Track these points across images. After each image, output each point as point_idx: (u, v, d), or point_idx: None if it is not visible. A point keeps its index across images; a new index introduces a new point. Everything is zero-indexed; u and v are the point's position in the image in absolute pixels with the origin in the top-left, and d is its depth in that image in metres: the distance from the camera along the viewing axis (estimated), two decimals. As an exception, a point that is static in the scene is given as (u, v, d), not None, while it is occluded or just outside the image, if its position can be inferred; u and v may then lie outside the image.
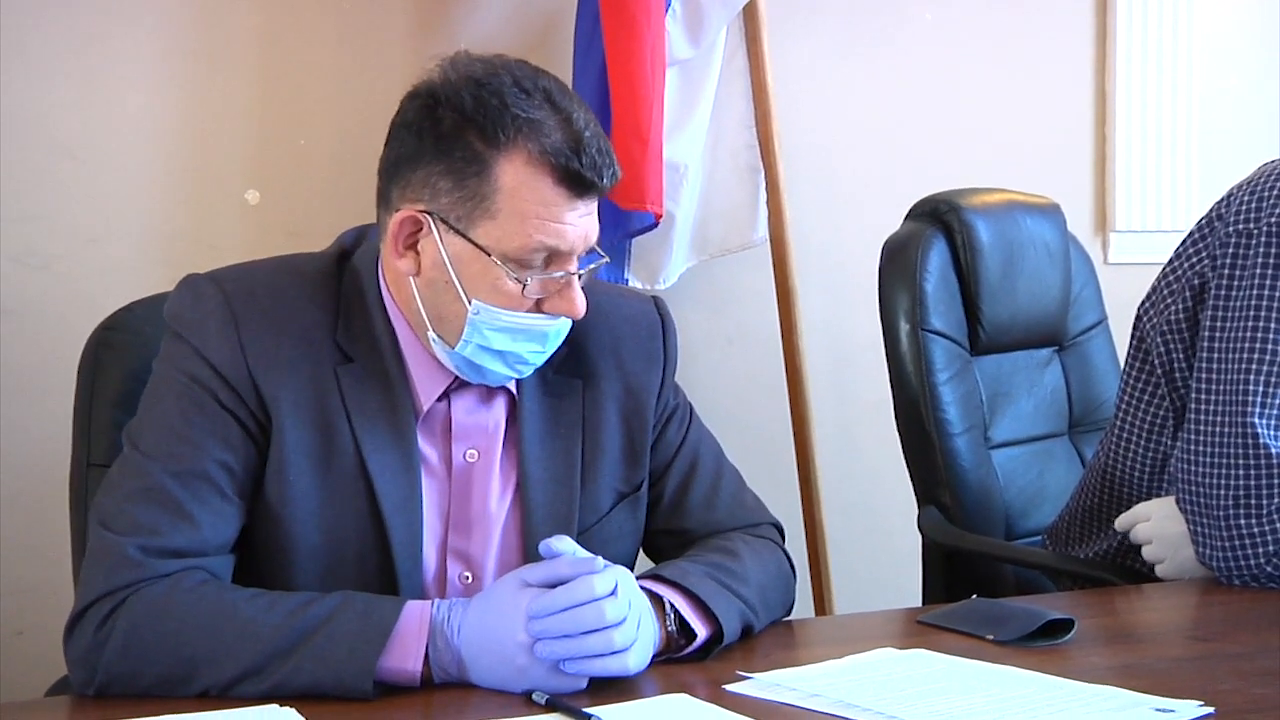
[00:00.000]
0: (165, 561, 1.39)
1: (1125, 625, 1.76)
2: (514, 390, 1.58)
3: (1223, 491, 1.79)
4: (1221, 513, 1.78)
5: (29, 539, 2.48)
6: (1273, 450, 1.77)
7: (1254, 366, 1.79)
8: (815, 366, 3.04)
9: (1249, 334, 1.80)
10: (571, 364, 1.60)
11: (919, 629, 1.60)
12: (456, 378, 1.54)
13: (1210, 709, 1.26)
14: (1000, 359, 2.45)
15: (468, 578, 1.54)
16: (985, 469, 2.33)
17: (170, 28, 2.61)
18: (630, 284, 2.83)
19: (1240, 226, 1.85)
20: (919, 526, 2.33)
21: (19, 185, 2.51)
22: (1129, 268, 3.26)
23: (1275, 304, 1.80)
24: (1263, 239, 1.82)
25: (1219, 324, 1.84)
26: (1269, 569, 1.77)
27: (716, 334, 3.09)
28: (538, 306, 1.48)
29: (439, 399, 1.54)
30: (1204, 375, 1.84)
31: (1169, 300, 1.95)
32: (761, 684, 1.36)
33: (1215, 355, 1.83)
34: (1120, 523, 1.97)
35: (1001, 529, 2.34)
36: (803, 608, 1.89)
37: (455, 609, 1.37)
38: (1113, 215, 3.45)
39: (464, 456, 1.55)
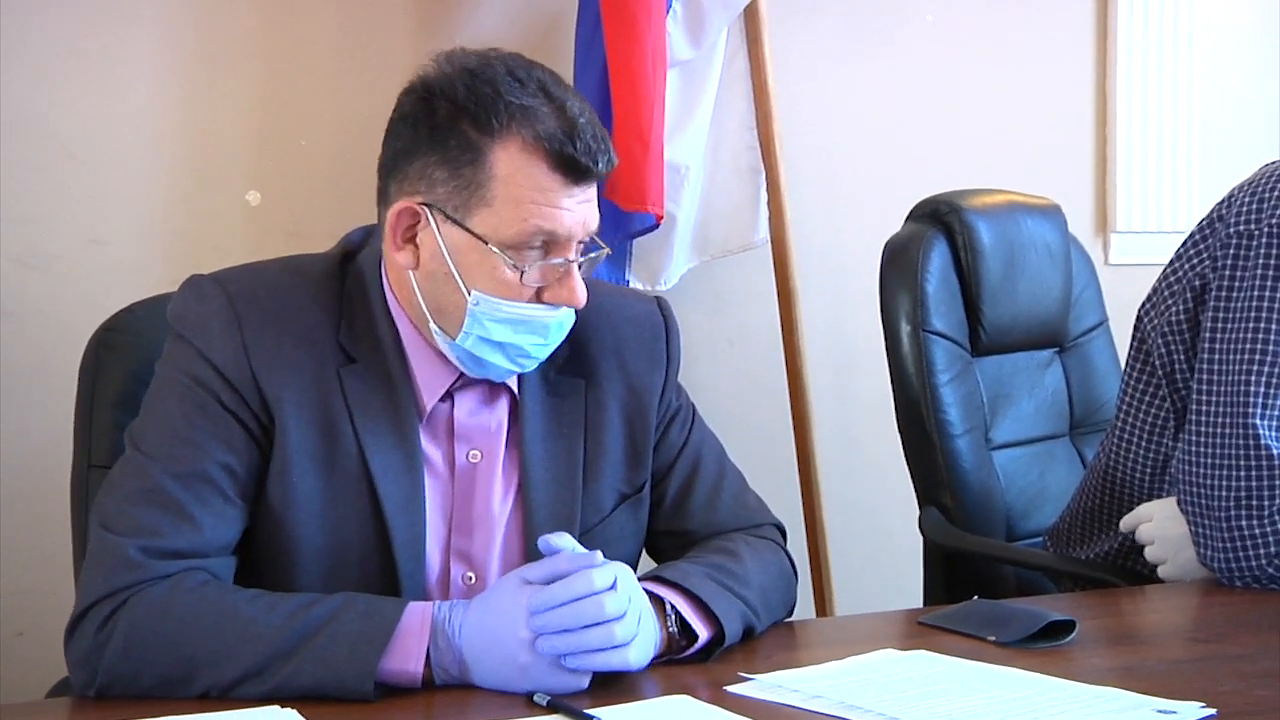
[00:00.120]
0: (166, 563, 1.39)
1: (1126, 627, 1.76)
2: (516, 390, 1.58)
3: (1224, 493, 1.78)
4: (1222, 514, 1.78)
5: (29, 540, 2.48)
6: (1274, 451, 1.76)
7: (1255, 368, 1.79)
8: (816, 367, 3.04)
9: (1250, 335, 1.80)
10: (574, 364, 1.60)
11: (920, 630, 1.60)
12: (459, 376, 1.54)
13: (1212, 710, 1.26)
14: (1001, 360, 2.45)
15: (470, 578, 1.54)
16: (986, 470, 2.33)
17: (171, 28, 2.61)
18: (631, 285, 2.83)
19: (1241, 228, 1.85)
20: (920, 527, 2.33)
21: (19, 186, 2.51)
22: (1130, 269, 3.26)
23: (1276, 305, 1.79)
24: (1263, 240, 1.82)
25: (1220, 325, 1.84)
26: (1270, 570, 1.77)
27: (717, 335, 3.09)
28: (538, 296, 1.48)
29: (442, 399, 1.54)
30: (1205, 376, 1.84)
31: (1170, 301, 1.95)
32: (763, 685, 1.36)
33: (1216, 356, 1.83)
34: (1124, 524, 1.97)
35: (1002, 530, 2.34)
36: (803, 608, 1.89)
37: (456, 609, 1.37)
38: (1113, 216, 3.45)
39: (467, 457, 1.55)
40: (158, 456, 1.43)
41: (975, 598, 2.12)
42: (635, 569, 1.55)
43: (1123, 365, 2.08)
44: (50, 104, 2.53)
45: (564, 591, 1.33)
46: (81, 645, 1.37)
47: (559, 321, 1.51)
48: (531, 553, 1.52)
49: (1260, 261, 1.82)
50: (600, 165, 1.46)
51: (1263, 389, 1.78)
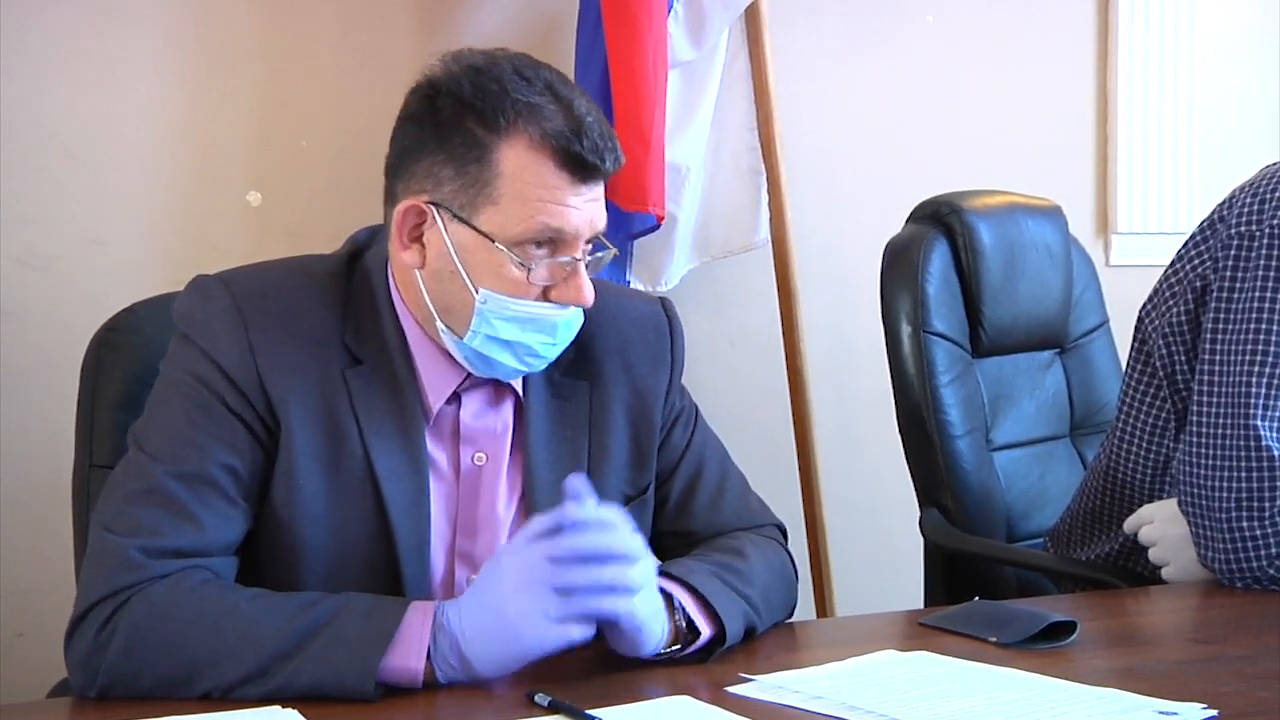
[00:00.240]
0: (166, 562, 1.39)
1: (1127, 628, 1.76)
2: (521, 392, 1.58)
3: (1225, 494, 1.78)
4: (1223, 515, 1.78)
5: (30, 541, 2.48)
6: (1275, 452, 1.76)
7: (1256, 369, 1.79)
8: (816, 368, 3.04)
9: (1251, 336, 1.80)
10: (579, 366, 1.60)
11: (921, 631, 1.60)
12: (466, 378, 1.53)
13: (1213, 712, 1.26)
14: (1002, 361, 2.45)
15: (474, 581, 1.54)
16: (987, 471, 2.33)
17: (171, 28, 2.61)
18: (632, 286, 2.83)
19: (1242, 229, 1.85)
20: (920, 528, 2.33)
21: (19, 186, 2.51)
22: (1130, 270, 3.26)
23: (1277, 306, 1.79)
24: (1264, 241, 1.82)
25: (1221, 326, 1.84)
26: (1271, 571, 1.77)
27: (718, 335, 3.09)
28: (545, 295, 1.48)
29: (448, 401, 1.54)
30: (1206, 377, 1.84)
31: (1170, 302, 1.94)
32: (764, 686, 1.36)
33: (1217, 357, 1.83)
34: (1127, 526, 1.97)
35: (1003, 531, 2.34)
36: (804, 609, 1.89)
37: (452, 604, 1.37)
38: (1114, 217, 3.45)
39: (472, 460, 1.55)
40: (161, 457, 1.43)
41: (976, 599, 2.12)
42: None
43: (1123, 366, 2.08)
44: (50, 104, 2.53)
45: (589, 537, 1.35)
46: (82, 647, 1.37)
47: (567, 320, 1.50)
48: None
49: (1261, 263, 1.82)
50: (607, 164, 1.46)
51: (1263, 390, 1.78)
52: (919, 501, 2.36)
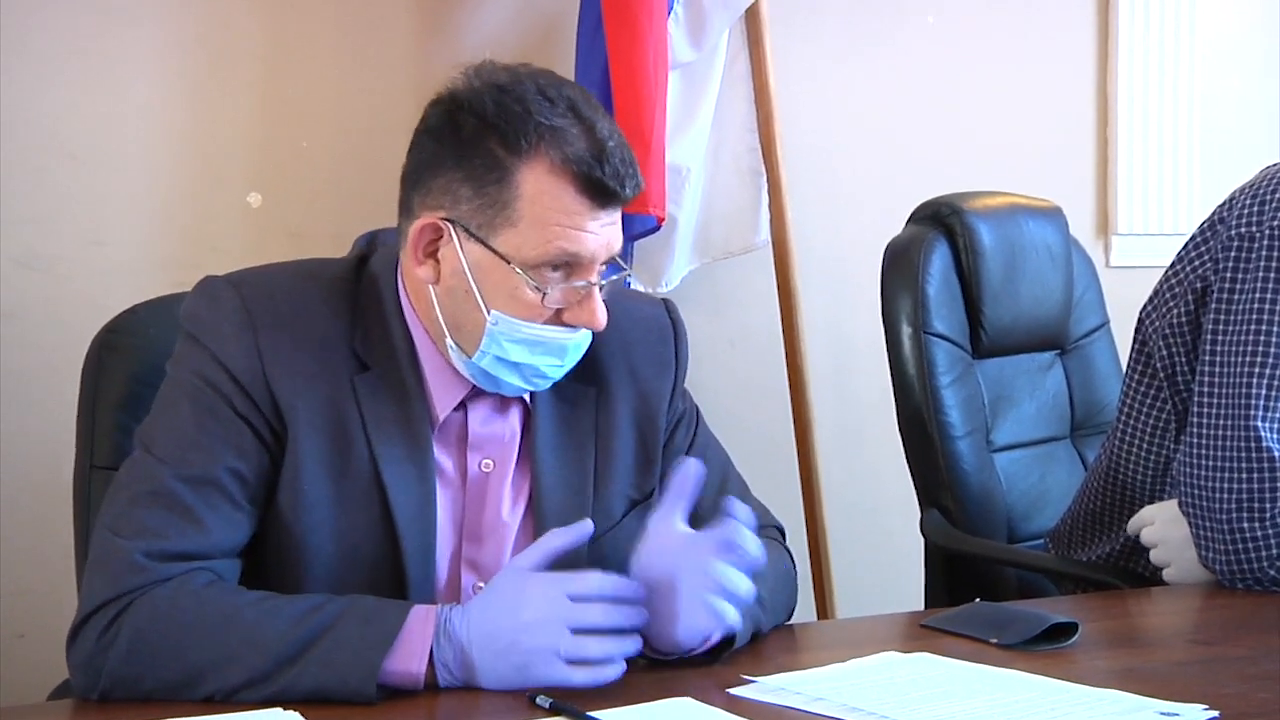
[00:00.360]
0: (170, 565, 1.39)
1: (1129, 629, 1.76)
2: (528, 399, 1.57)
3: (1226, 495, 1.78)
4: (1224, 516, 1.78)
5: (31, 542, 2.48)
6: (1275, 454, 1.76)
7: (1256, 370, 1.79)
8: (817, 369, 3.04)
9: (1251, 337, 1.80)
10: (584, 371, 1.58)
11: (922, 633, 1.60)
12: (474, 386, 1.53)
13: (1214, 713, 1.26)
14: (1002, 362, 2.45)
15: (481, 587, 1.52)
16: (987, 472, 2.33)
17: (172, 29, 2.61)
18: (632, 287, 2.83)
19: (1243, 230, 1.85)
20: (921, 529, 2.33)
21: (20, 187, 2.51)
22: (1131, 271, 3.26)
23: (1278, 307, 1.79)
24: (1265, 242, 1.82)
25: (1221, 327, 1.84)
26: (1271, 572, 1.77)
27: (718, 336, 3.09)
28: (557, 317, 1.47)
29: (455, 408, 1.54)
30: (1206, 379, 1.84)
31: (1171, 304, 1.95)
32: (765, 687, 1.36)
33: (1218, 359, 1.83)
34: (1130, 527, 1.97)
35: (1004, 532, 2.34)
36: (804, 610, 1.89)
37: (458, 609, 1.37)
38: (1115, 218, 3.45)
39: (479, 466, 1.54)
40: (167, 459, 1.43)
41: (977, 600, 2.12)
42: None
43: (1124, 368, 2.08)
44: (50, 104, 2.53)
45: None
46: (85, 649, 1.36)
47: (576, 343, 1.50)
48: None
49: (1262, 264, 1.82)
50: (628, 190, 1.45)
51: (1264, 391, 1.78)
52: (919, 502, 2.36)
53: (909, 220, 2.46)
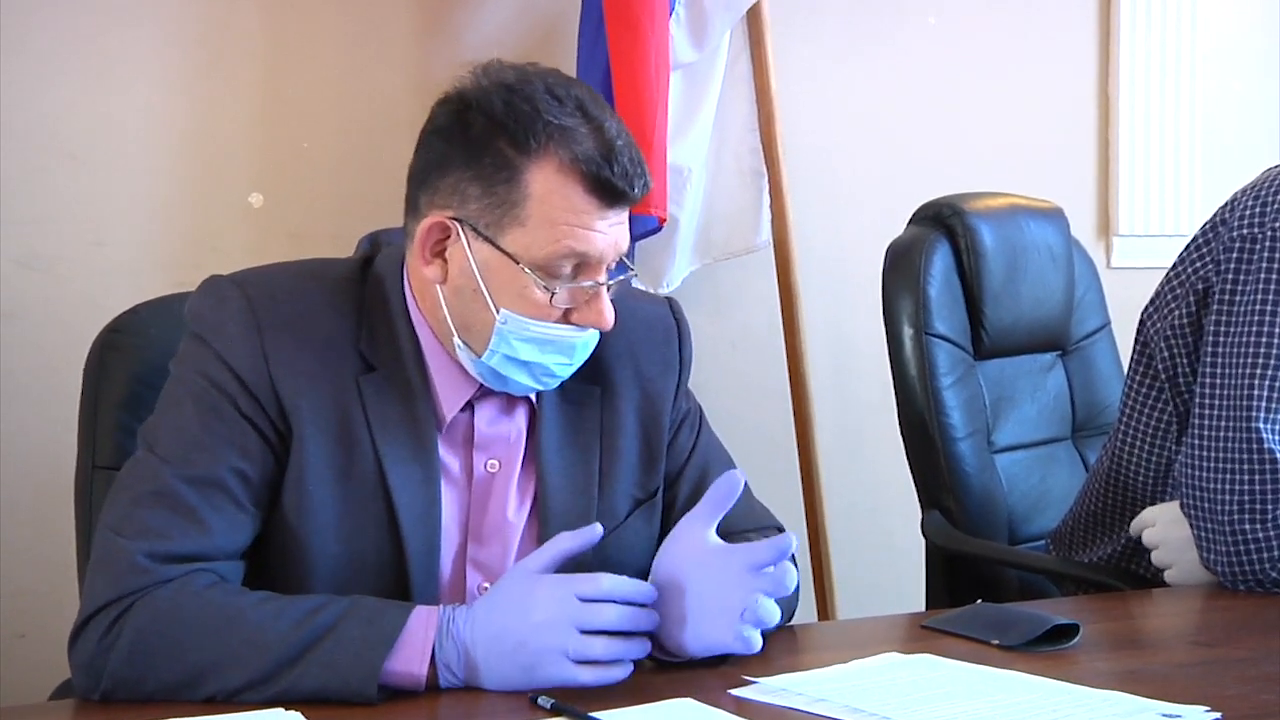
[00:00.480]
0: (172, 567, 1.38)
1: (1130, 630, 1.76)
2: (533, 399, 1.57)
3: (1227, 496, 1.78)
4: (1226, 518, 1.78)
5: (31, 542, 2.48)
6: (1277, 455, 1.76)
7: (1258, 371, 1.79)
8: (818, 370, 3.04)
9: (1253, 339, 1.80)
10: (589, 371, 1.58)
11: (923, 634, 1.60)
12: (480, 387, 1.53)
13: (1216, 714, 1.26)
14: (1003, 363, 2.45)
15: (487, 588, 1.52)
16: (989, 473, 2.33)
17: (173, 29, 2.61)
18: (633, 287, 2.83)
19: (1244, 231, 1.85)
20: (922, 530, 2.33)
21: (21, 187, 2.51)
22: (1132, 272, 3.25)
23: (1279, 309, 1.79)
24: (1267, 244, 1.82)
25: (1223, 329, 1.84)
26: (1274, 574, 1.77)
27: (719, 337, 3.09)
28: (565, 317, 1.47)
29: (461, 409, 1.53)
30: (1208, 380, 1.84)
31: (1172, 305, 1.94)
32: (767, 688, 1.36)
33: (1219, 360, 1.83)
34: (1132, 528, 1.97)
35: (1005, 533, 2.33)
36: (805, 611, 1.89)
37: (461, 610, 1.37)
38: (1116, 219, 3.45)
39: (485, 467, 1.54)
40: (171, 460, 1.42)
41: (978, 601, 2.12)
42: (649, 572, 1.54)
43: (1125, 369, 2.08)
44: (50, 104, 2.53)
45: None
46: (86, 650, 1.36)
47: (585, 342, 1.50)
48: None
49: (1263, 265, 1.81)
50: (636, 190, 1.45)
51: (1266, 392, 1.78)
52: (920, 503, 2.36)
53: (910, 221, 2.46)
